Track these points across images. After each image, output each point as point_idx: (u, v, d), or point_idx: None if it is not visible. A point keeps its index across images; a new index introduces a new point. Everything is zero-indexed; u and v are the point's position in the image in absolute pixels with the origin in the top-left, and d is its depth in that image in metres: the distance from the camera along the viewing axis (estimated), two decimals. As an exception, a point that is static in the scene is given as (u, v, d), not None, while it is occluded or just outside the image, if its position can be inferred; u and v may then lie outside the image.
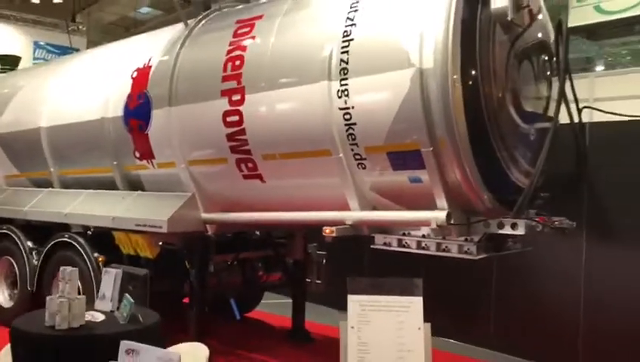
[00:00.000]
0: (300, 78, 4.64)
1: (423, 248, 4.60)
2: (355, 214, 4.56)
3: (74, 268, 3.50)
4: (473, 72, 3.99)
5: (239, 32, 5.28)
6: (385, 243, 4.78)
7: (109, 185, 6.42)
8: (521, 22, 4.15)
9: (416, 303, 3.99)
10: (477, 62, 4.00)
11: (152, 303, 5.70)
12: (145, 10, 20.02)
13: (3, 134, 7.76)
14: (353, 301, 4.00)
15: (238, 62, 5.09)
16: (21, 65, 11.40)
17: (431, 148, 4.05)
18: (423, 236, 4.56)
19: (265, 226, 6.14)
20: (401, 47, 4.09)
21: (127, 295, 3.53)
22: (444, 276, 5.98)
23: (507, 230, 4.22)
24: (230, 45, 5.24)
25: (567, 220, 4.90)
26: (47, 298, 3.31)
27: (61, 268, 3.45)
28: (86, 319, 3.35)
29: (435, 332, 4.17)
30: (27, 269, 6.80)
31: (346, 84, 4.35)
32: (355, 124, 4.36)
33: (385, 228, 4.69)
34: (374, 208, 4.72)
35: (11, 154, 7.72)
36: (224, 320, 7.35)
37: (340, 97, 4.39)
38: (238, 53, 5.14)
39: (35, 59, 17.94)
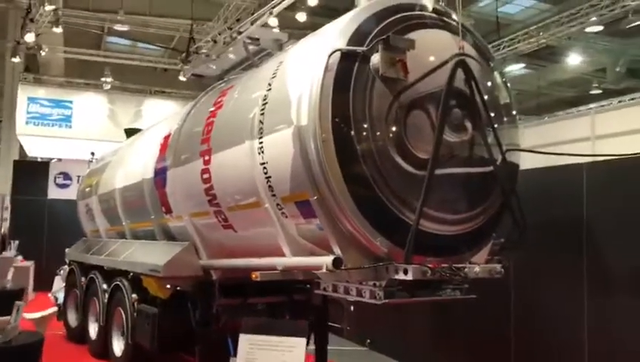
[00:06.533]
0: (237, 139, 5.25)
1: (348, 293, 4.84)
2: (275, 260, 4.95)
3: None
4: (346, 126, 4.24)
5: (217, 101, 6.08)
6: (324, 289, 5.11)
7: (154, 236, 7.52)
8: (398, 75, 4.29)
9: (300, 344, 4.25)
10: (350, 116, 4.25)
11: (165, 338, 6.60)
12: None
13: (101, 194, 9.42)
14: (243, 339, 4.38)
15: (210, 128, 5.87)
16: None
17: (315, 198, 4.36)
18: (347, 281, 4.80)
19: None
20: (289, 107, 4.52)
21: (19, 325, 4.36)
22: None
23: (400, 275, 4.32)
24: (209, 113, 6.05)
25: (497, 267, 4.75)
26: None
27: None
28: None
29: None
30: (100, 307, 8.14)
31: (262, 142, 4.86)
32: (270, 177, 4.82)
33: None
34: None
35: (106, 211, 9.31)
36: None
37: (259, 153, 4.90)
38: (211, 119, 5.93)
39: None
